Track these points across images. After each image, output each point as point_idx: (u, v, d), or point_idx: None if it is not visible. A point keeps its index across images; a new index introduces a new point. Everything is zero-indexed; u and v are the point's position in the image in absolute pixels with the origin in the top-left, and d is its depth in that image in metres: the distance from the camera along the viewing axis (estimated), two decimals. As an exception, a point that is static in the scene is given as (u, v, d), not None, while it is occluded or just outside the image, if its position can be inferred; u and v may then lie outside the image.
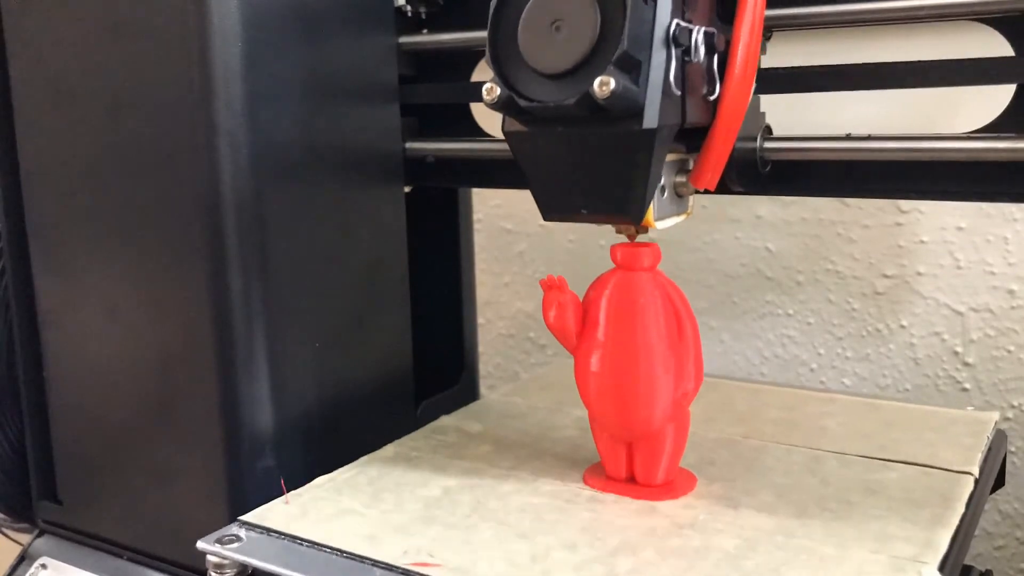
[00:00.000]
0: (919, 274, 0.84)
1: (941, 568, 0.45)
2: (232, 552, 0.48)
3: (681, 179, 0.53)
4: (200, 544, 0.49)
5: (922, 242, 0.83)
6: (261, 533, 0.50)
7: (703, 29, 0.47)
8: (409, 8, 0.67)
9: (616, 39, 0.43)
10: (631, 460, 0.54)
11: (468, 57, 0.69)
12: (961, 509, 0.51)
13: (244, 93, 0.54)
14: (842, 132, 0.57)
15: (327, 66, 0.60)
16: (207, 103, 0.54)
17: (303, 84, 0.58)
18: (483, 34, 0.64)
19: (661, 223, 0.52)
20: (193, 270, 0.56)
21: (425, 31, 0.69)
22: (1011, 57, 0.52)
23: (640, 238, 0.54)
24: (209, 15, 0.53)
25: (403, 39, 0.67)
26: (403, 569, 0.46)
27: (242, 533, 0.50)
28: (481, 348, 0.94)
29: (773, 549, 0.47)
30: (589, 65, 0.44)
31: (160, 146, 0.56)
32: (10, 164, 0.64)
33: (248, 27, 0.54)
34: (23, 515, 0.70)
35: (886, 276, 0.85)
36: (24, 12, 0.61)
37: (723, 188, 0.54)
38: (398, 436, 0.63)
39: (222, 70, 0.54)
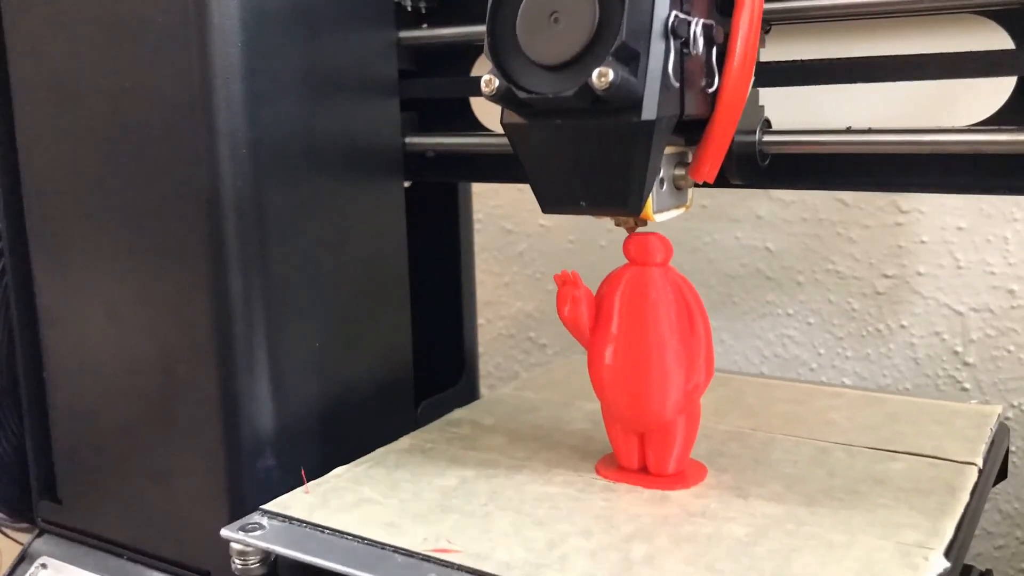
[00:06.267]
0: (919, 274, 0.84)
1: (946, 554, 0.45)
2: (255, 540, 0.49)
3: (680, 172, 0.53)
4: (224, 532, 0.50)
5: (922, 242, 0.84)
6: (283, 521, 0.51)
7: (702, 21, 0.47)
8: (409, 3, 0.68)
9: (615, 30, 0.43)
10: (643, 451, 0.55)
11: (468, 52, 0.70)
12: (965, 498, 0.51)
13: (244, 93, 0.54)
14: (843, 126, 0.57)
15: (327, 62, 0.60)
16: (207, 103, 0.54)
17: (303, 81, 0.58)
18: (482, 28, 0.65)
19: (660, 216, 0.52)
20: (193, 270, 0.56)
21: (425, 26, 0.69)
22: (1011, 50, 0.53)
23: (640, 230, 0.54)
24: (209, 15, 0.53)
25: (403, 34, 0.67)
26: (423, 555, 0.46)
27: (264, 521, 0.51)
28: (481, 348, 0.94)
29: (783, 536, 0.47)
30: (587, 56, 0.44)
31: (160, 146, 0.56)
32: (10, 164, 0.64)
33: (248, 26, 0.54)
34: (23, 515, 0.70)
35: (886, 276, 0.86)
36: (24, 12, 0.61)
37: (722, 181, 0.55)
38: (398, 436, 0.63)
39: (222, 70, 0.54)
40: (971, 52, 0.53)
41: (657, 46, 0.45)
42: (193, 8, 0.53)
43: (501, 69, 0.46)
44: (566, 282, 0.54)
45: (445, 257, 0.79)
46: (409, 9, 0.68)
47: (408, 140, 0.69)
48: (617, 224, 0.54)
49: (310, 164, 0.59)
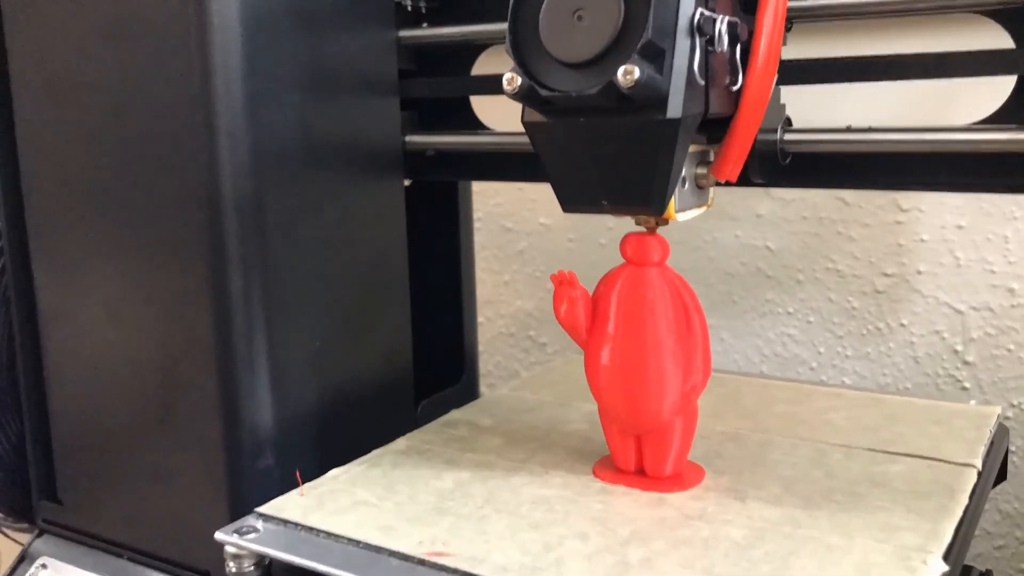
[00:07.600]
0: (919, 272, 0.84)
1: (945, 558, 0.45)
2: (250, 543, 0.49)
3: (702, 171, 0.52)
4: (218, 535, 0.50)
5: (922, 240, 0.83)
6: (278, 524, 0.51)
7: (726, 18, 0.47)
8: (409, 3, 0.68)
9: (640, 28, 0.43)
10: (640, 453, 0.55)
11: (468, 51, 0.70)
12: (964, 501, 0.51)
13: (244, 93, 0.55)
14: (842, 125, 0.57)
15: (327, 62, 0.60)
16: (207, 103, 0.54)
17: (303, 81, 0.58)
18: (482, 28, 0.66)
19: (682, 215, 0.52)
20: (193, 270, 0.56)
21: (425, 25, 0.69)
22: (1012, 49, 0.53)
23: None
24: (209, 15, 0.53)
25: (403, 33, 0.67)
26: (419, 559, 0.46)
27: (259, 524, 0.51)
28: (481, 347, 0.94)
29: (780, 539, 0.47)
30: (612, 54, 0.43)
31: (160, 146, 0.56)
32: (10, 164, 0.64)
33: (248, 26, 0.54)
34: (23, 515, 0.70)
35: (886, 275, 0.85)
36: (24, 12, 0.61)
37: (744, 180, 0.54)
38: (398, 436, 0.63)
39: (222, 70, 0.54)
40: (971, 52, 0.53)
41: (683, 43, 0.44)
42: (193, 8, 0.53)
43: (523, 67, 0.46)
44: (562, 282, 0.54)
45: (445, 256, 0.79)
46: (409, 9, 0.68)
47: (408, 139, 0.69)
48: (638, 223, 0.53)
49: (310, 164, 0.59)
